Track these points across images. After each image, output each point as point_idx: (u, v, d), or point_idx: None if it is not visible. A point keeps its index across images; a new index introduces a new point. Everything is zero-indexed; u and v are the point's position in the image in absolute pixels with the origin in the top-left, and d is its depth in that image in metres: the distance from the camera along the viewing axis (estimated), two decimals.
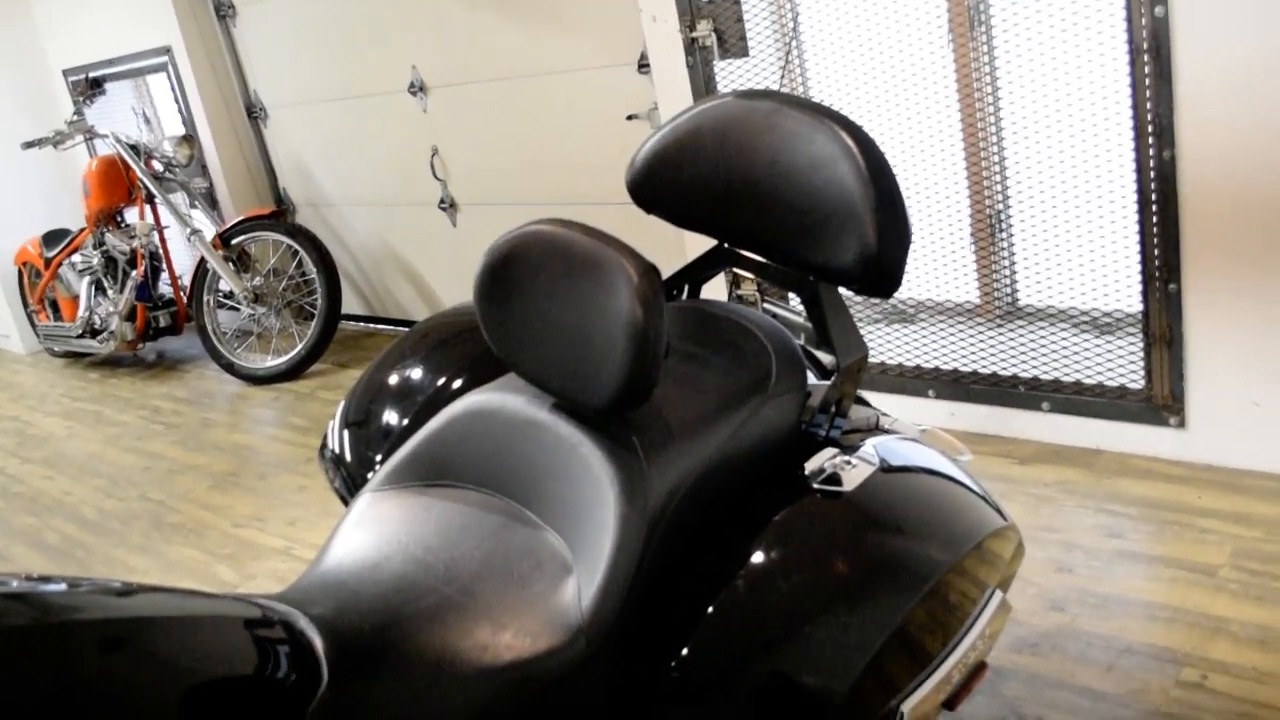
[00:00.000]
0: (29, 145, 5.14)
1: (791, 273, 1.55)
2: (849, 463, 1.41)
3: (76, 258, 5.49)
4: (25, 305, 6.02)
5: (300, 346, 4.90)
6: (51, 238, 5.68)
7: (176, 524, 3.64)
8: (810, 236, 1.43)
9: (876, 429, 1.66)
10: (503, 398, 1.40)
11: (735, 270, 1.67)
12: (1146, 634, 2.22)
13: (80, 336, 5.52)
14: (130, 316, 5.34)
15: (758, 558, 1.30)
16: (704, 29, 3.22)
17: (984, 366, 3.06)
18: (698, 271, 1.72)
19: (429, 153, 4.66)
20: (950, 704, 1.42)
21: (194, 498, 3.83)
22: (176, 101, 5.54)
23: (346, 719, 1.06)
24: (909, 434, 1.63)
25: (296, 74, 5.12)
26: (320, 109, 5.09)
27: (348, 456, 1.73)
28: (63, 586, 0.97)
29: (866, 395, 3.27)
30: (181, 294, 5.35)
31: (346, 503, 1.70)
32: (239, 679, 1.02)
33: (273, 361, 4.97)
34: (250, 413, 4.65)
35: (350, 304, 5.41)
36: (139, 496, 3.93)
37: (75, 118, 5.24)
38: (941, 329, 3.15)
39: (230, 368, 5.04)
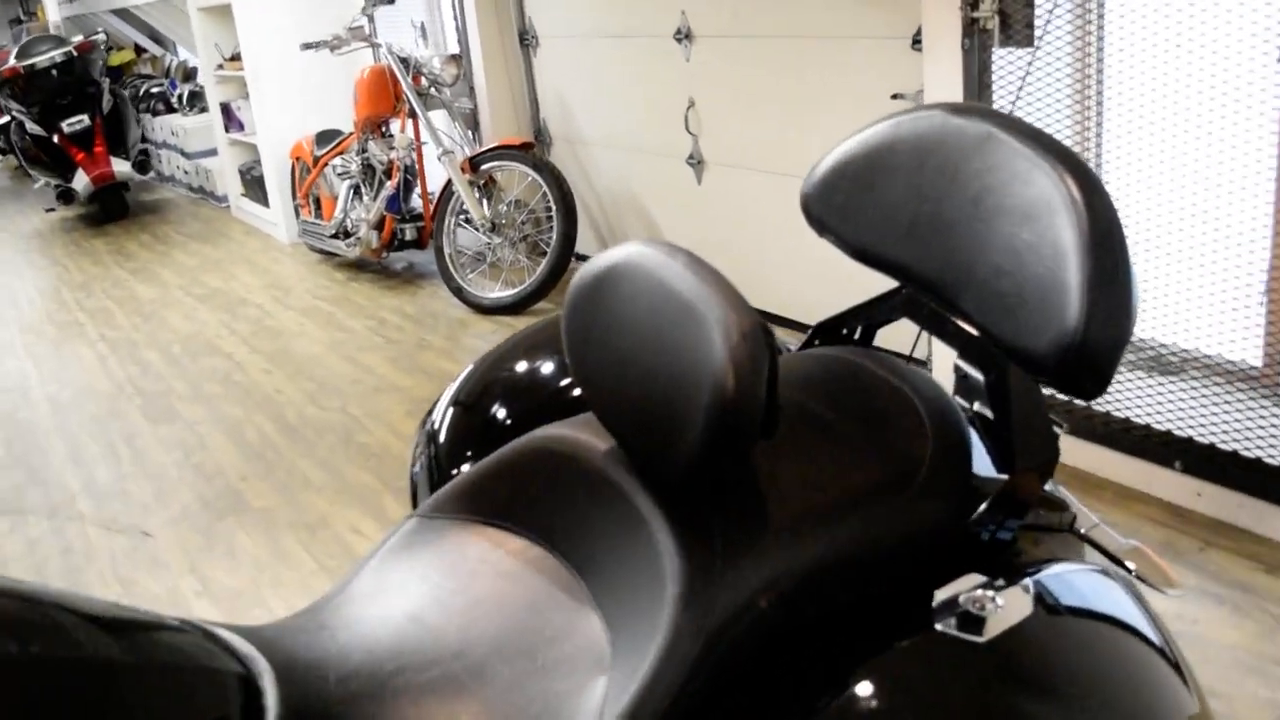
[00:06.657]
0: (307, 47, 5.25)
1: (979, 342, 1.23)
2: (994, 600, 1.08)
3: (339, 160, 5.62)
4: (294, 198, 6.26)
5: (529, 281, 4.82)
6: (324, 137, 5.85)
7: (363, 444, 3.63)
8: (1004, 303, 1.11)
9: (1070, 529, 1.33)
10: (581, 442, 1.17)
11: (911, 319, 1.36)
12: None
13: (333, 236, 5.66)
14: (379, 226, 5.43)
15: (842, 703, 1.02)
16: (986, 9, 2.82)
17: (1249, 446, 2.58)
18: (874, 313, 1.42)
19: (685, 104, 4.44)
20: None
21: (388, 421, 3.82)
22: (456, 19, 5.54)
23: None
24: (1116, 543, 1.28)
25: (572, 5, 4.99)
26: (588, 44, 4.96)
27: (442, 438, 1.54)
28: None
29: (1099, 451, 2.85)
30: (431, 210, 5.39)
31: (414, 493, 1.53)
32: None
33: (500, 292, 4.92)
34: (466, 341, 4.62)
35: (587, 244, 5.29)
36: (339, 409, 3.96)
37: (355, 24, 5.31)
38: (1206, 391, 2.67)
39: (459, 292, 5.03)
